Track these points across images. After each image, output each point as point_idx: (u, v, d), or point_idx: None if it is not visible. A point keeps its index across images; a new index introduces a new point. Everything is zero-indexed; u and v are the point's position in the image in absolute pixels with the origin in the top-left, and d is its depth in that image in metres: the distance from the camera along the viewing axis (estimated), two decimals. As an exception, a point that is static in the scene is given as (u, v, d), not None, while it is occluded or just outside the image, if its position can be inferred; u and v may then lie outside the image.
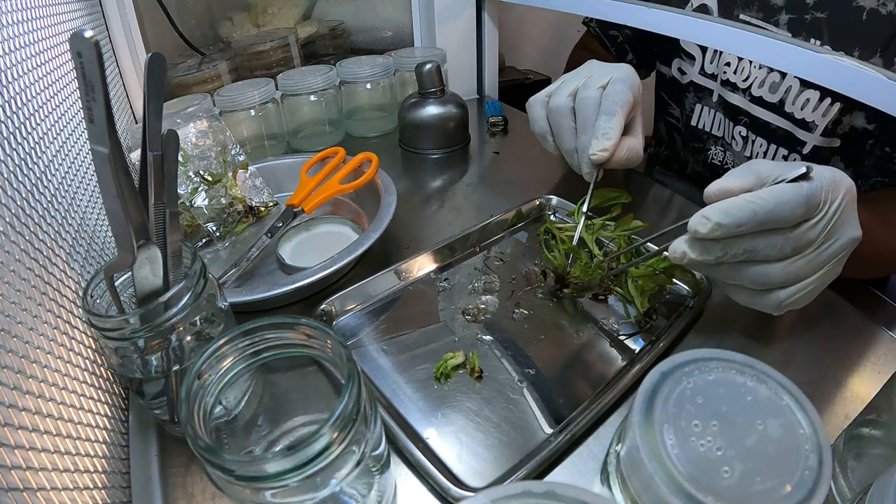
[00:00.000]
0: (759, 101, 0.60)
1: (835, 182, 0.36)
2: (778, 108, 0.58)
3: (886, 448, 0.29)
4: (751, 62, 0.60)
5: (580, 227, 0.49)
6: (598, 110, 0.49)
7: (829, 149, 0.56)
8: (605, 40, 0.76)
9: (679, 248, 0.38)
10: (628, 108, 0.49)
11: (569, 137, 0.52)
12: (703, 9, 0.62)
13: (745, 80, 0.60)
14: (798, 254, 0.36)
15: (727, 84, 0.63)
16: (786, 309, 0.38)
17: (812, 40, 0.53)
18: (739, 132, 0.64)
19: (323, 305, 0.46)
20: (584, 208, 0.50)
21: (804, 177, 0.35)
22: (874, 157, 0.54)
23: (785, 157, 0.60)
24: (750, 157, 0.63)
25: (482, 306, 0.47)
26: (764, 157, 0.61)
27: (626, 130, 0.53)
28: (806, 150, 0.57)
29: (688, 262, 0.38)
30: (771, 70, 0.58)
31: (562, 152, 0.55)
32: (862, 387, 0.39)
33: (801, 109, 0.56)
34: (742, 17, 0.59)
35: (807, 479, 0.21)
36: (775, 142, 0.60)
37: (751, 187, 0.36)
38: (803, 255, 0.36)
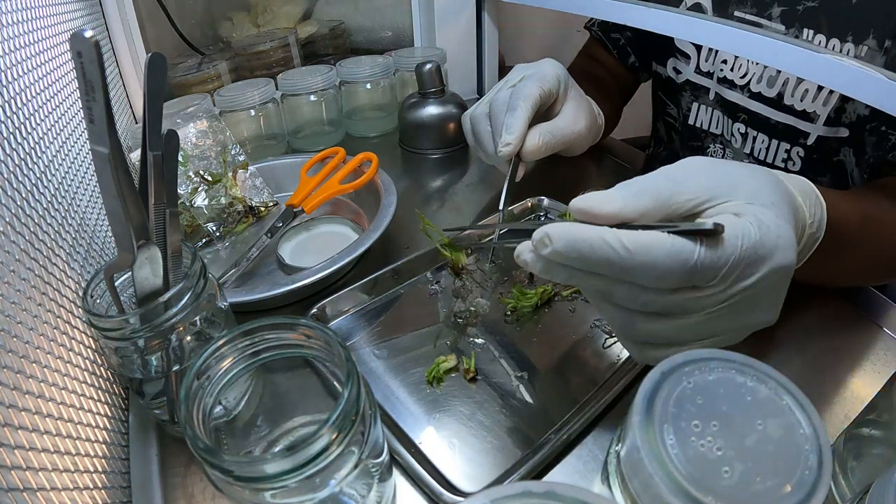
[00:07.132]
0: (757, 96, 0.59)
1: (758, 256, 0.27)
2: (777, 103, 0.58)
3: (886, 448, 0.29)
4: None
5: (497, 233, 0.49)
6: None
7: (837, 139, 0.56)
8: (607, 43, 0.76)
9: (524, 255, 0.30)
10: (533, 100, 0.51)
11: (488, 142, 0.54)
12: (697, 7, 0.62)
13: (742, 77, 0.60)
14: (674, 317, 0.29)
15: (724, 81, 0.62)
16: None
17: (805, 31, 0.53)
18: (738, 129, 0.63)
19: (314, 310, 0.45)
20: (501, 206, 0.51)
21: (712, 233, 0.26)
22: (871, 141, 0.54)
23: (787, 152, 0.59)
24: (750, 154, 0.63)
25: (474, 309, 0.47)
26: (766, 152, 0.61)
27: (545, 118, 0.55)
28: (810, 142, 0.57)
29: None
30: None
31: (491, 158, 0.56)
32: (862, 387, 0.39)
33: (801, 101, 0.56)
34: (736, 13, 0.58)
35: (807, 479, 0.21)
36: (776, 136, 0.60)
37: (639, 215, 0.27)
38: (683, 318, 0.28)
